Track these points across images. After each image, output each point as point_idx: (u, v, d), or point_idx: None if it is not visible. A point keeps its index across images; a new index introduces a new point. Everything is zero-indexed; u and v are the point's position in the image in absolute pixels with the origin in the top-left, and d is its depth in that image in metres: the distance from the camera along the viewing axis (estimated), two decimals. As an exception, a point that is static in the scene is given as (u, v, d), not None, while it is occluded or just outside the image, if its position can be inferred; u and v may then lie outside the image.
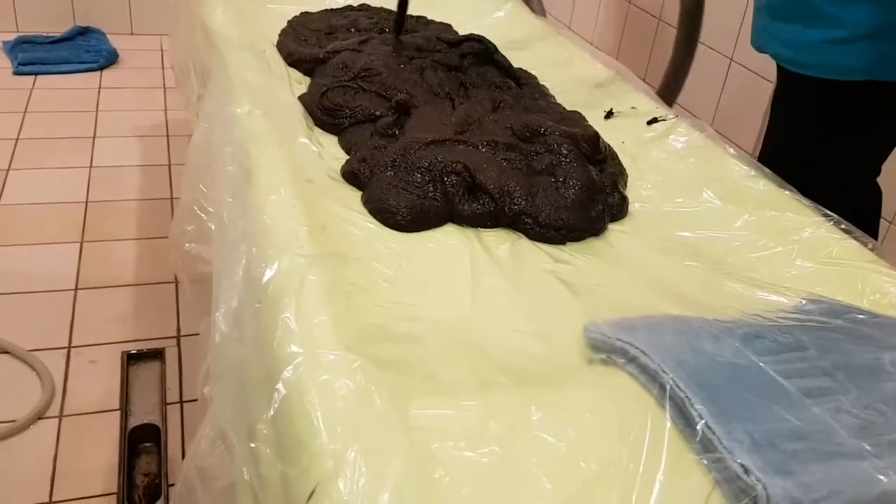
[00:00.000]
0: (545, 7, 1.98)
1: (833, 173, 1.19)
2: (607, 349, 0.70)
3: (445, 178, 1.01)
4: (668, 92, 1.65)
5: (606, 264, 0.88)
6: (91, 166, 2.06)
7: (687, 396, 0.59)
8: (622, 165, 1.08)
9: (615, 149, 1.11)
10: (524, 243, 0.94)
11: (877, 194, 1.32)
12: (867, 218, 1.27)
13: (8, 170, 2.00)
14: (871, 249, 0.85)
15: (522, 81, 1.39)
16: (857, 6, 1.04)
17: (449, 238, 0.95)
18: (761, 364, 0.62)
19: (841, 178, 1.20)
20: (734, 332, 0.67)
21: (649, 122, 1.19)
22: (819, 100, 1.14)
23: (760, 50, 1.21)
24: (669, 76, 1.64)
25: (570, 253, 0.91)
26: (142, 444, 1.32)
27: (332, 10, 1.68)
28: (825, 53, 1.09)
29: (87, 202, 1.91)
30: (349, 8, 1.70)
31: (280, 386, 0.63)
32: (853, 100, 1.11)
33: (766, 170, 1.00)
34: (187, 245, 1.02)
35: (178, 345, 1.51)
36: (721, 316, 0.72)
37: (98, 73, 2.59)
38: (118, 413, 1.35)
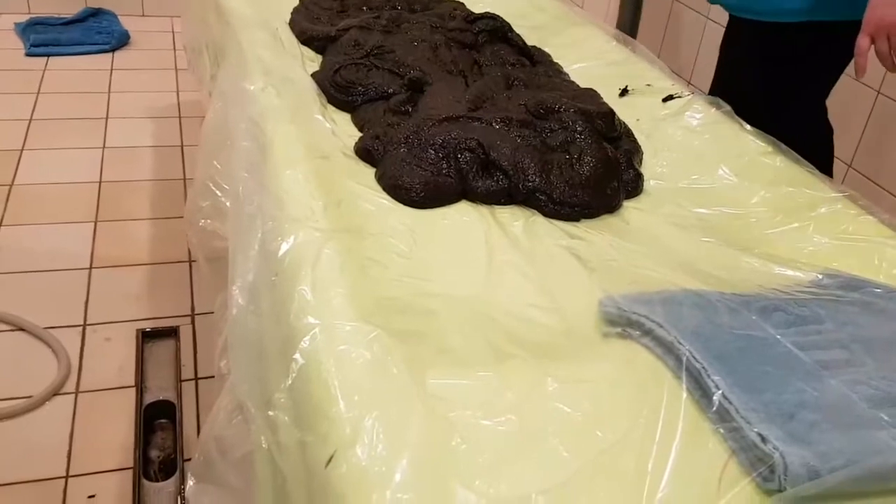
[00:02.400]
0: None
1: (778, 108, 1.30)
2: (623, 323, 0.70)
3: (459, 155, 1.01)
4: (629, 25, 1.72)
5: (622, 240, 0.88)
6: (104, 147, 2.07)
7: (703, 367, 0.59)
8: (637, 142, 1.07)
9: (630, 126, 1.10)
10: (539, 220, 0.94)
11: (828, 135, 1.41)
12: (820, 157, 1.36)
13: (22, 150, 2.01)
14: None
15: (536, 59, 1.38)
16: None
17: (463, 215, 0.95)
18: (778, 336, 0.62)
19: (787, 112, 1.31)
20: (751, 305, 0.67)
21: (665, 100, 1.18)
22: (763, 41, 1.28)
23: (712, 2, 1.36)
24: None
25: (585, 229, 0.91)
26: (157, 421, 1.33)
27: (343, -13, 1.67)
28: None
29: (100, 182, 1.92)
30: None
31: (297, 356, 0.63)
32: (794, 41, 1.25)
33: (783, 146, 1.00)
34: (202, 222, 1.03)
35: (193, 323, 1.52)
36: (738, 290, 0.72)
37: (110, 54, 2.59)
38: (133, 390, 1.36)
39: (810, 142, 1.23)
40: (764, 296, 0.69)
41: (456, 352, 0.68)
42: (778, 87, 1.31)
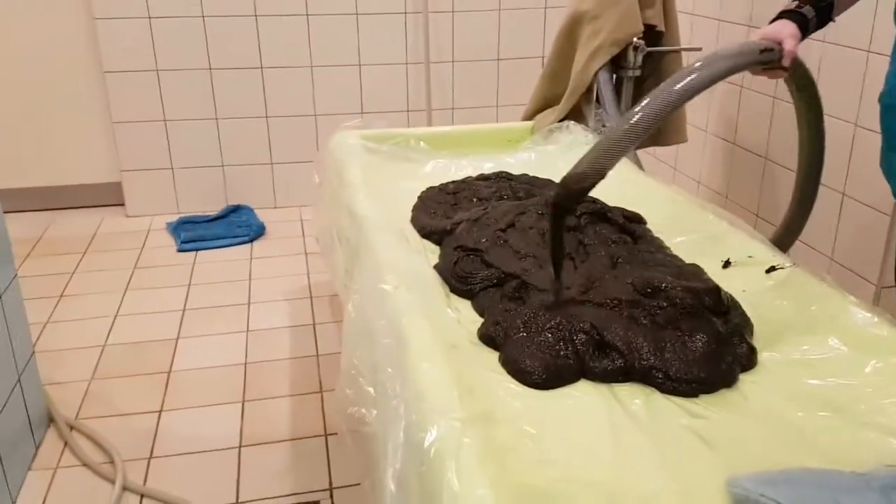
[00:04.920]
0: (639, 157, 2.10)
1: None
2: None
3: (575, 337, 1.10)
4: (786, 238, 1.70)
5: (741, 417, 0.92)
6: (248, 330, 2.30)
7: (832, 552, 0.62)
8: (746, 315, 1.13)
9: (737, 298, 1.17)
10: (657, 397, 1.00)
11: None
12: None
13: (177, 338, 2.27)
14: None
15: (637, 235, 1.49)
16: None
17: (584, 394, 1.02)
18: (903, 517, 0.65)
19: None
20: (872, 484, 0.70)
21: (768, 271, 1.25)
22: None
23: None
24: (788, 222, 1.70)
25: (704, 406, 0.96)
26: None
27: (454, 181, 1.87)
28: None
29: (245, 364, 2.12)
30: (469, 178, 1.89)
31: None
32: None
33: (889, 315, 1.03)
34: (350, 409, 1.15)
35: (331, 497, 1.62)
36: (858, 467, 0.75)
37: (249, 245, 2.92)
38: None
39: None
40: (883, 474, 0.72)
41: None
42: None
